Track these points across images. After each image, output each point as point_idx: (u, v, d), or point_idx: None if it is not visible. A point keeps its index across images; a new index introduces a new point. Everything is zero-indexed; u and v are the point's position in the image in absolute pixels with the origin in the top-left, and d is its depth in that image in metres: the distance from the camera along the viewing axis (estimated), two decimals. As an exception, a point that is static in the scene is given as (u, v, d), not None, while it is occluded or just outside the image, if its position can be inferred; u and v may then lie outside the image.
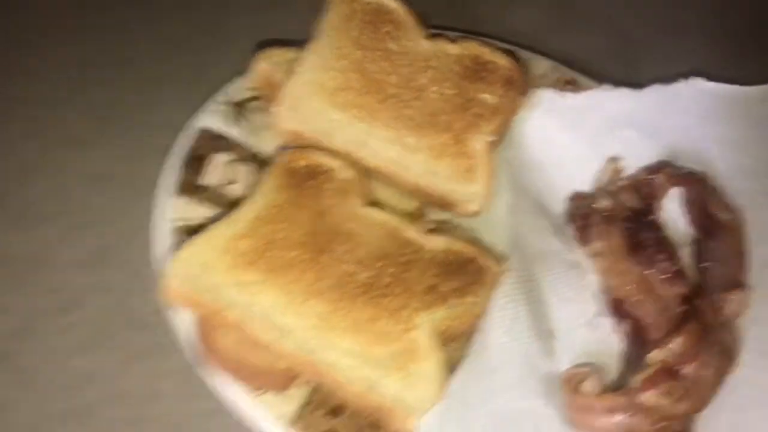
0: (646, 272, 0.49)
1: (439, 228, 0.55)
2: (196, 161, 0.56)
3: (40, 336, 0.52)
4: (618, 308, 0.49)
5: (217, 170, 0.56)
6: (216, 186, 0.55)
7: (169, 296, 0.48)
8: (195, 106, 0.58)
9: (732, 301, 0.48)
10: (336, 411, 0.48)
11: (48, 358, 0.51)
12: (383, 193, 0.56)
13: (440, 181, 0.55)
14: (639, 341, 0.48)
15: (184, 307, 0.49)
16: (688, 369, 0.44)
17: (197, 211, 0.53)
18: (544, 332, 0.48)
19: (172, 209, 0.53)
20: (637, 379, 0.44)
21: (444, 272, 0.51)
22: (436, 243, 0.52)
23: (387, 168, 0.55)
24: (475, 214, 0.55)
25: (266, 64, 0.58)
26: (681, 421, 0.44)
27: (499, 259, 0.53)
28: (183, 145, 0.56)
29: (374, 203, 0.54)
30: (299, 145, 0.55)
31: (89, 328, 0.53)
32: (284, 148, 0.55)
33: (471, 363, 0.47)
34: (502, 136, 0.57)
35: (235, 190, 0.55)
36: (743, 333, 0.47)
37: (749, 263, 0.50)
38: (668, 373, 0.44)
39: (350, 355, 0.47)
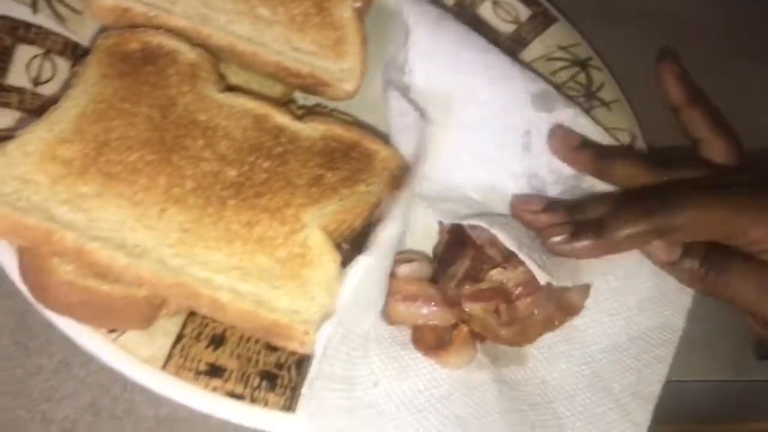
0: None
1: (311, 113, 0.46)
2: (-5, 58, 0.44)
3: None
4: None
5: (25, 67, 0.44)
6: (24, 86, 0.43)
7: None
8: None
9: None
10: (218, 340, 0.39)
11: None
12: (240, 77, 0.47)
13: (306, 58, 0.47)
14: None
15: (8, 238, 0.37)
16: (521, 302, 0.42)
17: (2, 118, 0.42)
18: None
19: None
20: (468, 288, 0.42)
21: (327, 161, 0.43)
22: (313, 129, 0.44)
23: (240, 46, 0.46)
24: (350, 95, 0.47)
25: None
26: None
27: (386, 140, 0.45)
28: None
29: (231, 89, 0.45)
30: (127, 25, 0.44)
31: None
32: (108, 30, 0.44)
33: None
34: (369, 1, 0.49)
35: (49, 89, 0.44)
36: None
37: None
38: (503, 294, 0.42)
39: (227, 269, 0.38)
